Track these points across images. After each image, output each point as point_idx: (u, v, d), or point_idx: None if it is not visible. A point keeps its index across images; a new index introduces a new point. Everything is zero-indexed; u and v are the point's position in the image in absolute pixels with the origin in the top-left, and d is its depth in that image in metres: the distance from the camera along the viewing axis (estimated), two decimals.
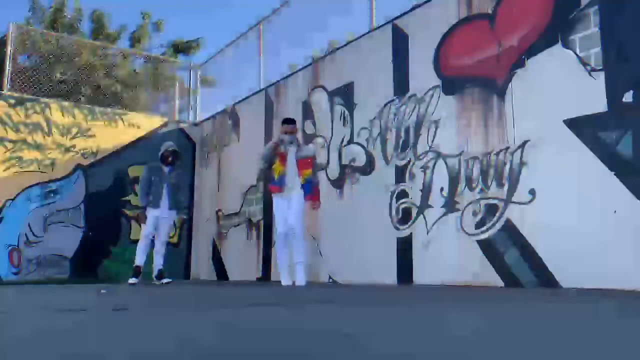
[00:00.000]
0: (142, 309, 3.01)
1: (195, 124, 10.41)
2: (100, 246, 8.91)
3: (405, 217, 5.63)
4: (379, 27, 6.41)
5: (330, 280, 6.51)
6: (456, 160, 5.16)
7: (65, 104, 9.16)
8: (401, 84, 5.91)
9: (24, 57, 11.11)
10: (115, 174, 9.27)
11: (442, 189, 5.26)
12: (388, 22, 6.24)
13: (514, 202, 4.61)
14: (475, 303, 3.06)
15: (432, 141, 5.44)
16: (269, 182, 5.92)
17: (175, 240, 9.49)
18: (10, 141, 8.46)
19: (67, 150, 8.92)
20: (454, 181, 5.16)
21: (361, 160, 6.32)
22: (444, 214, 5.20)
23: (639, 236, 3.74)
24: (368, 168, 6.21)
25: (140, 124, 9.72)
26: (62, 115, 8.96)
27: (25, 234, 8.42)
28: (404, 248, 5.59)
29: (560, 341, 1.48)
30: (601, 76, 4.11)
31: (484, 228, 4.82)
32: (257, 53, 8.77)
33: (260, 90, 8.52)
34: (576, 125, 4.22)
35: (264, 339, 1.60)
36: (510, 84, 4.77)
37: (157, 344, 1.55)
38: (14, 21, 9.45)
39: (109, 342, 1.60)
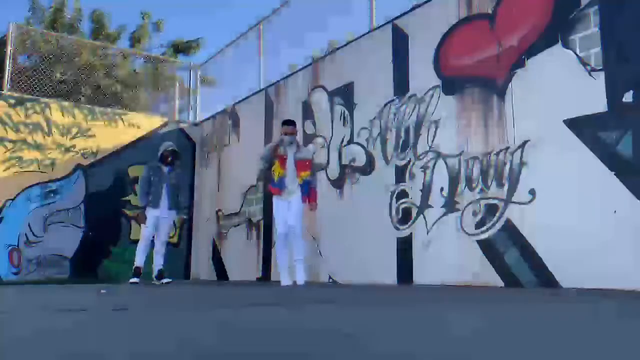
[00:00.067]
0: (142, 309, 3.01)
1: (195, 124, 10.41)
2: (100, 246, 8.91)
3: (405, 217, 5.63)
4: (379, 27, 6.41)
5: (330, 280, 6.51)
6: (456, 160, 5.16)
7: (65, 104, 9.16)
8: (401, 84, 5.91)
9: (24, 57, 11.11)
10: (115, 174, 9.27)
11: (442, 189, 5.26)
12: (388, 22, 6.24)
13: (514, 202, 4.61)
14: (475, 303, 3.06)
15: (432, 141, 5.44)
16: (269, 183, 5.93)
17: (175, 240, 9.49)
18: (10, 141, 8.46)
19: (67, 150, 8.91)
20: (454, 181, 5.16)
21: (361, 160, 6.32)
22: (444, 214, 5.20)
23: (639, 236, 3.74)
24: (368, 168, 6.21)
25: (140, 124, 9.71)
26: (62, 115, 8.96)
27: (25, 234, 8.42)
28: (404, 248, 5.59)
29: (560, 341, 1.48)
30: (601, 76, 4.10)
31: (484, 228, 4.82)
32: (257, 53, 8.77)
33: (260, 90, 8.52)
34: (576, 125, 4.22)
35: (264, 339, 1.60)
36: (510, 84, 4.77)
37: (157, 344, 1.55)
38: (14, 21, 9.45)
39: (109, 342, 1.60)
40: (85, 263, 8.75)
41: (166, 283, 6.81)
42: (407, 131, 5.76)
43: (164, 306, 3.23)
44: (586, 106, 4.15)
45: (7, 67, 8.78)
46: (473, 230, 4.91)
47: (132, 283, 6.64)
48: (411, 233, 5.54)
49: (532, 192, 4.48)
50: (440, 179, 5.29)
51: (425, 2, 5.76)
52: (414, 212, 5.53)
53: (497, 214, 4.72)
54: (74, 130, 9.03)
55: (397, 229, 5.70)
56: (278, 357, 1.30)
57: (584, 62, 4.24)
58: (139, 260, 6.78)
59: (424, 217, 5.41)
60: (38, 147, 8.66)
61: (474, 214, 4.92)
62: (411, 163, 5.65)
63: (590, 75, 4.18)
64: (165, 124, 10.02)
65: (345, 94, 6.69)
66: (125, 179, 9.32)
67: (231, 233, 8.75)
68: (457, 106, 5.24)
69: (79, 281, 8.14)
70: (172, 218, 7.08)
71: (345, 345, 1.46)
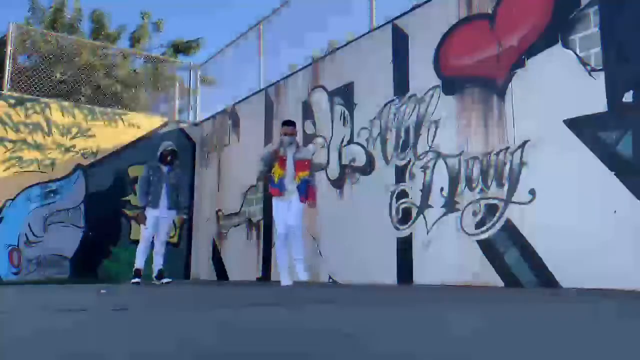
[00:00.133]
0: (142, 309, 3.01)
1: (195, 124, 10.40)
2: (100, 246, 8.91)
3: (405, 217, 5.63)
4: (379, 27, 6.41)
5: (330, 280, 6.51)
6: (456, 160, 5.16)
7: (65, 104, 9.16)
8: (401, 84, 5.91)
9: (24, 57, 11.10)
10: (115, 174, 9.26)
11: (442, 189, 5.26)
12: (388, 22, 6.24)
13: (514, 202, 4.61)
14: (475, 303, 3.06)
15: (432, 141, 5.44)
16: (269, 184, 5.94)
17: (175, 240, 9.49)
18: (10, 141, 8.46)
19: (67, 150, 8.91)
20: (454, 181, 5.16)
21: (361, 160, 6.32)
22: (444, 214, 5.20)
23: (639, 236, 3.74)
24: (368, 168, 6.21)
25: (140, 124, 9.71)
26: (62, 115, 8.96)
27: (25, 234, 8.42)
28: (404, 248, 5.58)
29: (560, 341, 1.48)
30: (601, 76, 4.10)
31: (484, 228, 4.82)
32: (257, 53, 8.77)
33: (260, 90, 8.52)
34: (576, 125, 4.22)
35: (264, 339, 1.60)
36: (510, 84, 4.77)
37: (157, 344, 1.55)
38: (14, 21, 9.45)
39: (109, 342, 1.60)
40: (85, 263, 8.75)
41: (166, 283, 6.81)
42: (407, 131, 5.76)
43: (164, 306, 3.23)
44: (586, 106, 4.15)
45: (7, 67, 8.78)
46: (473, 230, 4.91)
47: (133, 283, 6.65)
48: (411, 233, 5.54)
49: (532, 192, 4.48)
50: (440, 179, 5.29)
51: (425, 2, 5.76)
52: (414, 212, 5.53)
53: (497, 214, 4.72)
54: (74, 130, 9.03)
55: (397, 229, 5.70)
56: (278, 357, 1.30)
57: (584, 62, 4.24)
58: (139, 262, 6.78)
59: (424, 217, 5.41)
60: (38, 147, 8.66)
61: (474, 214, 4.92)
62: (411, 163, 5.65)
63: (590, 75, 4.18)
64: (165, 124, 10.02)
65: (345, 94, 6.69)
66: (125, 179, 9.32)
67: (231, 233, 8.75)
68: (457, 106, 5.24)
69: (79, 281, 8.14)
70: (172, 218, 7.08)
71: (345, 345, 1.46)
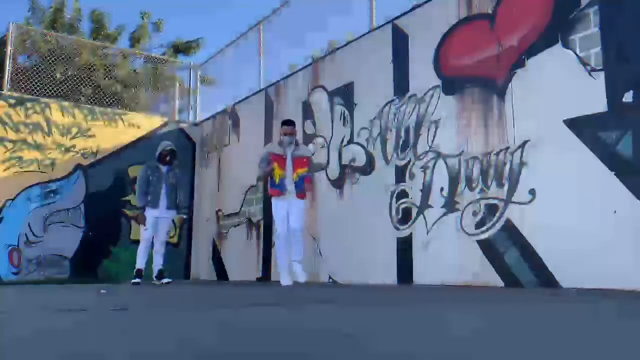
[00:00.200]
0: (142, 309, 3.01)
1: (195, 124, 10.40)
2: (100, 246, 8.90)
3: (405, 217, 5.63)
4: (379, 27, 6.41)
5: (330, 280, 6.51)
6: (456, 160, 5.16)
7: (65, 104, 9.16)
8: (401, 84, 5.91)
9: (24, 57, 11.10)
10: (115, 174, 9.26)
11: (442, 189, 5.26)
12: (388, 22, 6.24)
13: (514, 202, 4.61)
14: (475, 303, 3.06)
15: (432, 141, 5.44)
16: (270, 186, 5.94)
17: (175, 240, 9.49)
18: (10, 141, 8.46)
19: (67, 150, 8.91)
20: (454, 181, 5.16)
21: (361, 160, 6.32)
22: (444, 214, 5.20)
23: (639, 236, 3.74)
24: (368, 168, 6.21)
25: (140, 124, 9.71)
26: (62, 115, 8.96)
27: (25, 234, 8.42)
28: (404, 248, 5.59)
29: (560, 341, 1.48)
30: (601, 76, 4.10)
31: (484, 228, 4.82)
32: (257, 53, 8.77)
33: (260, 90, 8.52)
34: (576, 125, 4.22)
35: (264, 339, 1.60)
36: (510, 84, 4.77)
37: (157, 344, 1.55)
38: (14, 21, 9.45)
39: (109, 342, 1.60)
40: (85, 263, 8.75)
41: (166, 283, 6.81)
42: (407, 131, 5.76)
43: (164, 306, 3.23)
44: (586, 106, 4.15)
45: (7, 67, 8.78)
46: (473, 230, 4.91)
47: (134, 284, 6.66)
48: (411, 233, 5.54)
49: (532, 192, 4.47)
50: (440, 179, 5.29)
51: (425, 2, 5.76)
52: (414, 212, 5.53)
53: (497, 214, 4.72)
54: (74, 130, 9.03)
55: (397, 229, 5.70)
56: (278, 357, 1.30)
57: (584, 62, 4.24)
58: (140, 262, 6.79)
59: (424, 217, 5.41)
60: (38, 147, 8.66)
61: (474, 214, 4.92)
62: (411, 163, 5.64)
63: (590, 75, 4.18)
64: (165, 124, 10.02)
65: (345, 94, 6.69)
66: (125, 179, 9.32)
67: (231, 233, 8.75)
68: (457, 106, 5.24)
69: (79, 281, 8.14)
70: (171, 217, 7.08)
71: (345, 345, 1.46)
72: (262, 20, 8.69)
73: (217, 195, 9.30)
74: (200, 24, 37.00)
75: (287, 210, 5.77)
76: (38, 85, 9.30)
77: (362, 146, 6.32)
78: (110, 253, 8.98)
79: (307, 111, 7.35)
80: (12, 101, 8.58)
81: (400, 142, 5.82)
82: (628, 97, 3.92)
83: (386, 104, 6.05)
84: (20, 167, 8.50)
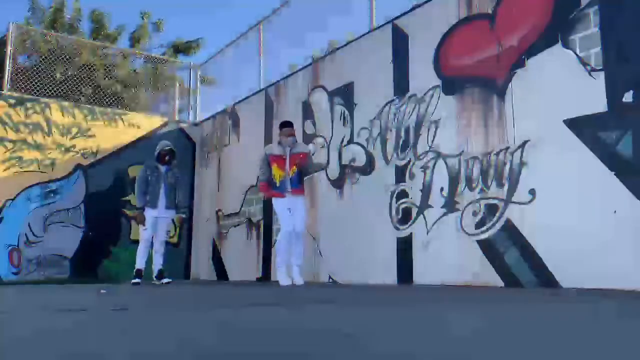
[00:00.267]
0: (142, 309, 3.02)
1: (195, 124, 10.40)
2: (100, 246, 8.90)
3: (405, 217, 5.63)
4: (379, 27, 6.41)
5: (330, 280, 6.51)
6: (456, 160, 5.16)
7: (65, 104, 9.16)
8: (401, 84, 5.91)
9: (24, 57, 11.10)
10: (115, 174, 9.26)
11: (442, 189, 5.26)
12: (388, 22, 6.24)
13: (514, 202, 4.61)
14: (475, 303, 3.06)
15: (432, 141, 5.44)
16: (271, 189, 5.95)
17: (175, 240, 9.49)
18: (10, 141, 8.46)
19: (67, 150, 8.91)
20: (454, 181, 5.16)
21: (361, 160, 6.32)
22: (444, 214, 5.20)
23: (639, 236, 3.74)
24: (368, 168, 6.21)
25: (140, 124, 9.71)
26: (62, 115, 8.96)
27: (25, 234, 8.42)
28: (404, 248, 5.59)
29: (560, 341, 1.48)
30: (601, 76, 4.10)
31: (484, 228, 4.82)
32: (257, 53, 8.77)
33: (260, 90, 8.52)
34: (576, 125, 4.22)
35: (264, 339, 1.60)
36: (510, 84, 4.77)
37: (157, 344, 1.55)
38: (14, 21, 9.45)
39: (109, 342, 1.60)
40: (85, 263, 8.75)
41: (166, 283, 6.81)
42: (407, 131, 5.76)
43: (164, 306, 3.23)
44: (586, 106, 4.15)
45: (7, 67, 8.77)
46: (473, 230, 4.91)
47: (134, 284, 6.67)
48: (411, 233, 5.54)
49: (532, 192, 4.47)
50: (440, 179, 5.29)
51: (425, 2, 5.76)
52: (414, 212, 5.53)
53: (497, 214, 4.72)
54: (74, 130, 9.03)
55: (397, 229, 5.70)
56: (278, 357, 1.30)
57: (584, 62, 4.23)
58: (140, 263, 6.79)
59: (424, 217, 5.41)
60: (38, 147, 8.66)
61: (474, 214, 4.92)
62: (411, 163, 5.64)
63: (590, 75, 4.18)
64: (165, 124, 10.02)
65: (345, 94, 6.69)
66: (125, 179, 9.32)
67: (231, 233, 8.75)
68: (457, 106, 5.24)
69: (79, 281, 8.15)
70: (171, 217, 7.08)
71: (345, 345, 1.46)
72: (262, 20, 8.69)
73: (217, 195, 9.30)
74: (200, 24, 37.02)
75: (289, 208, 5.81)
76: (38, 85, 9.30)
77: (362, 146, 6.32)
78: (110, 253, 8.98)
79: (307, 111, 7.35)
80: (12, 101, 8.58)
81: (400, 142, 5.82)
82: (628, 97, 3.92)
83: (386, 104, 6.05)
84: (20, 167, 8.50)
